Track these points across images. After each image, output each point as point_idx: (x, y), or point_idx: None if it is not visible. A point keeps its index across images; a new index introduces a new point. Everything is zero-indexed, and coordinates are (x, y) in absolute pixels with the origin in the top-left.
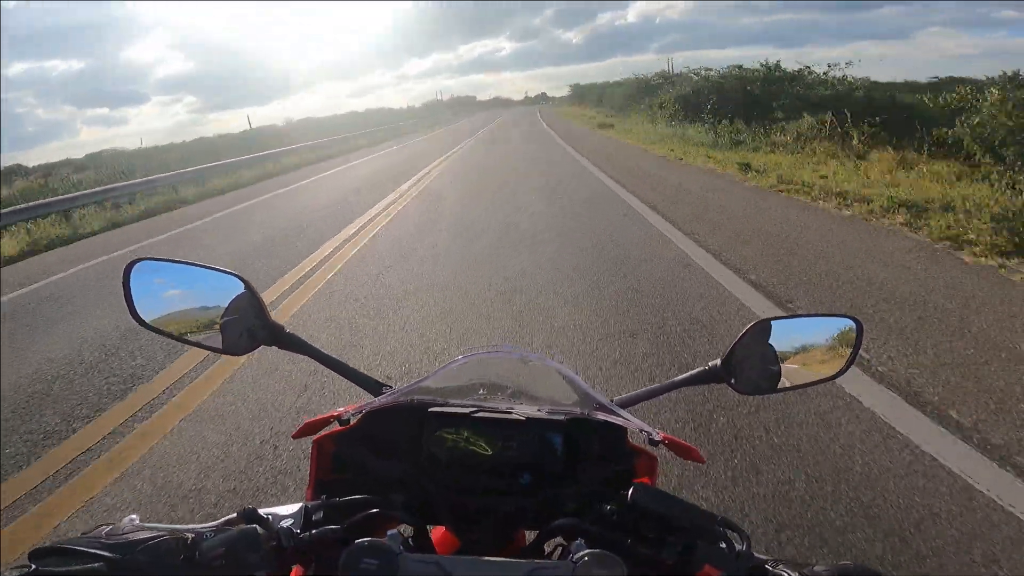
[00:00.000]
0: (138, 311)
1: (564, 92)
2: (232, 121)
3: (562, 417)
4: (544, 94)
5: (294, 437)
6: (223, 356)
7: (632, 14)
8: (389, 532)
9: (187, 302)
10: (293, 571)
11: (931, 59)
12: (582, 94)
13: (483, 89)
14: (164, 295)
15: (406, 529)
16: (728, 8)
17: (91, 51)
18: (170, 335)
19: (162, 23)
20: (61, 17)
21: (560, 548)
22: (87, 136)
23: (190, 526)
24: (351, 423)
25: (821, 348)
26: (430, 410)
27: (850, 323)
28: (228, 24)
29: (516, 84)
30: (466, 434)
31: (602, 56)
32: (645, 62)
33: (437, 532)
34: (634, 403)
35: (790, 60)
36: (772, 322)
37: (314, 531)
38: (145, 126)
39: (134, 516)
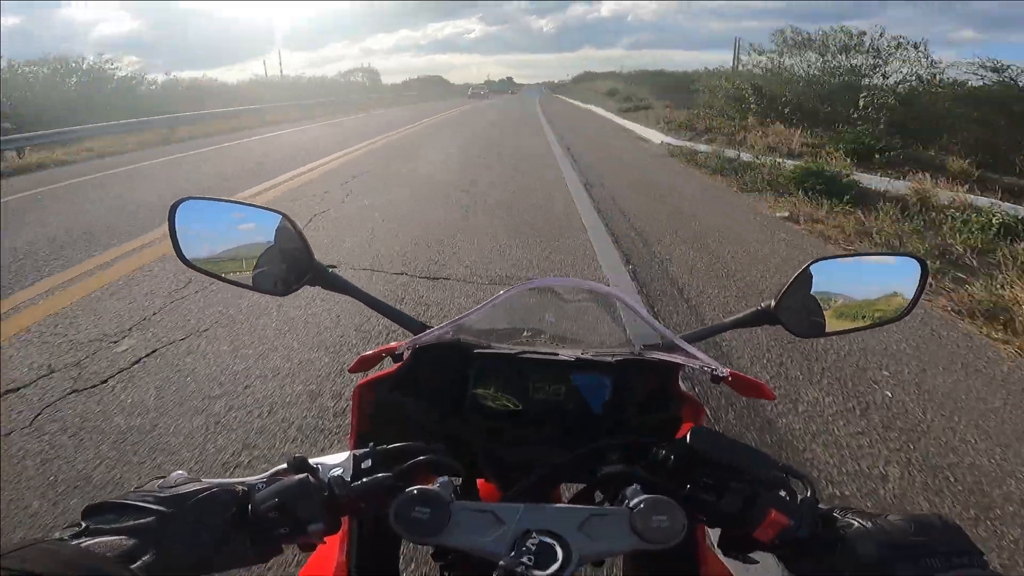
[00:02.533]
0: (183, 250)
1: (534, 80)
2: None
3: (610, 358)
4: (510, 78)
5: (350, 371)
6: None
7: (606, 8)
8: (439, 480)
9: (232, 241)
10: (344, 520)
11: None
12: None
13: (448, 70)
14: (209, 234)
15: (453, 478)
16: (700, 12)
17: (27, 8)
18: (214, 274)
19: None
20: None
21: (607, 500)
22: None
23: (240, 479)
24: (404, 358)
25: (880, 288)
26: (475, 351)
27: (913, 263)
28: None
29: (483, 69)
30: (492, 390)
31: (571, 47)
32: (615, 57)
33: (480, 485)
34: (691, 342)
35: None
36: (827, 262)
37: (365, 480)
38: None
39: (182, 471)
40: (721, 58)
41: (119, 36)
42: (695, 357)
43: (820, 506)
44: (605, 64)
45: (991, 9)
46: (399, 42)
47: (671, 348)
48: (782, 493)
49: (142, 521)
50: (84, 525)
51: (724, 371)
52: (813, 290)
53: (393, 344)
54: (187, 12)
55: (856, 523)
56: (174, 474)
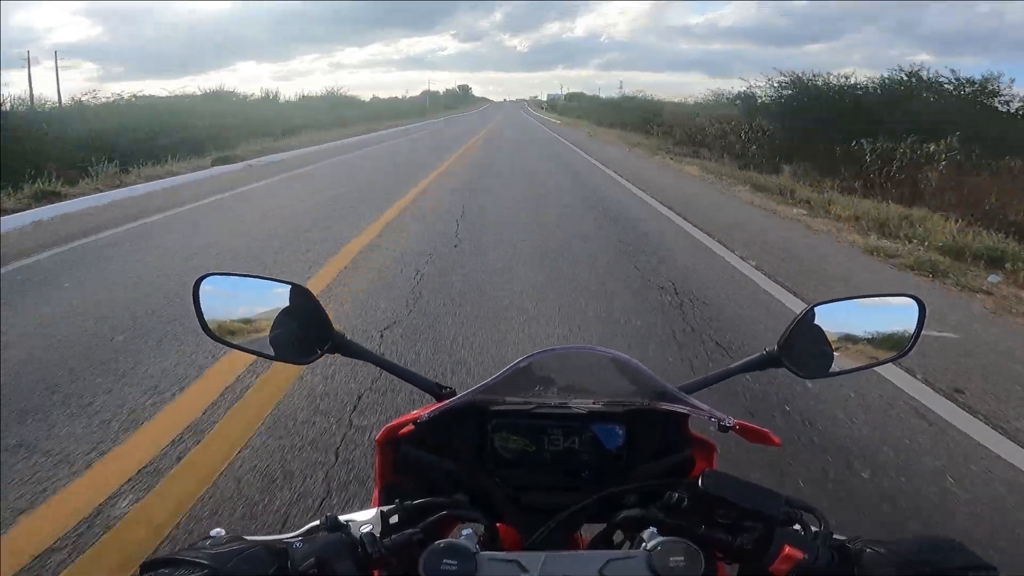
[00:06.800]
0: (207, 323)
1: (505, 97)
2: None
3: (620, 408)
4: (467, 88)
5: (377, 440)
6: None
7: (580, 28)
8: (464, 532)
9: (252, 313)
10: (376, 574)
11: None
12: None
13: (416, 86)
14: (231, 307)
15: (477, 528)
16: (670, 32)
17: None
18: (236, 346)
19: None
20: None
21: (627, 540)
22: None
23: (277, 536)
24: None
25: (880, 328)
26: (492, 408)
27: (911, 303)
28: None
29: (449, 85)
30: (507, 434)
31: (544, 66)
32: (586, 77)
33: (501, 530)
34: (695, 390)
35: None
36: (828, 305)
37: (394, 535)
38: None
39: (220, 529)
40: (686, 80)
41: (78, 42)
42: (700, 408)
43: (835, 536)
44: (576, 84)
45: (946, 34)
46: (370, 57)
47: (678, 399)
48: (796, 527)
49: (195, 574)
50: None
51: (731, 421)
52: (813, 333)
53: (415, 413)
54: (148, 17)
55: (869, 550)
56: (215, 531)
